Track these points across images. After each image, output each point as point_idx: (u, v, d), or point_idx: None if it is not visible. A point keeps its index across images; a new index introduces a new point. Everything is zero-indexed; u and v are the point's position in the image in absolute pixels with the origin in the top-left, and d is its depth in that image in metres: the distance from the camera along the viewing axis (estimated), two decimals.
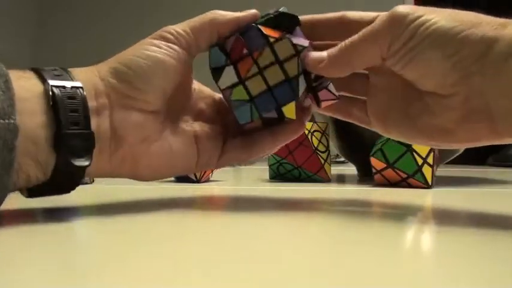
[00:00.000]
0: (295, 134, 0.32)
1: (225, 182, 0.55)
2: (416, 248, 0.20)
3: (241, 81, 0.30)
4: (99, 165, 0.28)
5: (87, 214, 0.29)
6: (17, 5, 2.18)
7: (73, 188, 0.27)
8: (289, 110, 0.31)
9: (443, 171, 0.81)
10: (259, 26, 0.30)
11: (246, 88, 0.30)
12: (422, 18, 0.26)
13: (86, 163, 0.26)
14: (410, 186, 0.46)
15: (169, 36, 0.29)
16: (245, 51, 0.30)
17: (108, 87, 0.28)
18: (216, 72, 0.31)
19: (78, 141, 0.25)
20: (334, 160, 1.15)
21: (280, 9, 0.31)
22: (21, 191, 0.26)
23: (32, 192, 0.26)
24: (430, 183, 0.45)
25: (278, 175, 0.56)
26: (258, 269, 0.16)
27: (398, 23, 0.26)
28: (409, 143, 0.37)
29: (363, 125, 0.32)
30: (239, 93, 0.31)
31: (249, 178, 0.61)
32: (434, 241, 0.22)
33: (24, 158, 0.24)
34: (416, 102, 0.28)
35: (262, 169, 0.79)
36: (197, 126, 0.32)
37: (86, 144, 0.26)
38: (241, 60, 0.30)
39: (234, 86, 0.30)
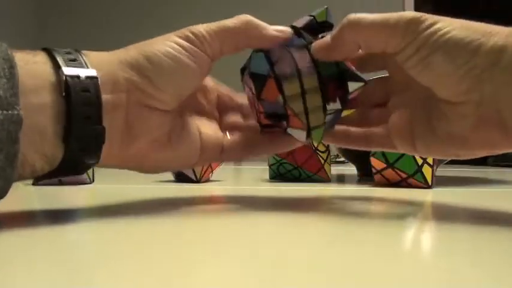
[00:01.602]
0: (294, 145, 0.33)
1: (225, 182, 0.55)
2: (416, 247, 0.20)
3: (285, 101, 0.29)
4: (107, 159, 0.27)
5: (87, 215, 0.29)
6: (17, 5, 2.18)
7: (80, 174, 0.27)
8: (318, 135, 0.30)
9: (443, 171, 0.81)
10: (309, 46, 0.29)
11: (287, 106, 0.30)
12: (436, 26, 0.25)
13: (94, 161, 0.26)
14: (410, 186, 0.46)
15: (195, 39, 0.28)
16: (294, 71, 0.29)
17: (128, 81, 0.26)
18: (256, 78, 0.30)
19: (88, 136, 0.25)
20: (334, 160, 1.15)
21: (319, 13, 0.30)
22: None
23: (37, 178, 0.26)
24: (430, 183, 0.45)
25: (278, 175, 0.56)
26: (257, 269, 0.16)
27: (413, 26, 0.26)
28: (435, 157, 0.37)
29: (387, 150, 0.34)
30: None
31: (249, 178, 0.61)
32: (434, 241, 0.22)
33: (30, 151, 0.23)
34: (435, 111, 0.28)
35: (262, 169, 0.79)
36: (200, 121, 0.33)
37: (96, 141, 0.25)
38: (287, 79, 0.29)
39: None
